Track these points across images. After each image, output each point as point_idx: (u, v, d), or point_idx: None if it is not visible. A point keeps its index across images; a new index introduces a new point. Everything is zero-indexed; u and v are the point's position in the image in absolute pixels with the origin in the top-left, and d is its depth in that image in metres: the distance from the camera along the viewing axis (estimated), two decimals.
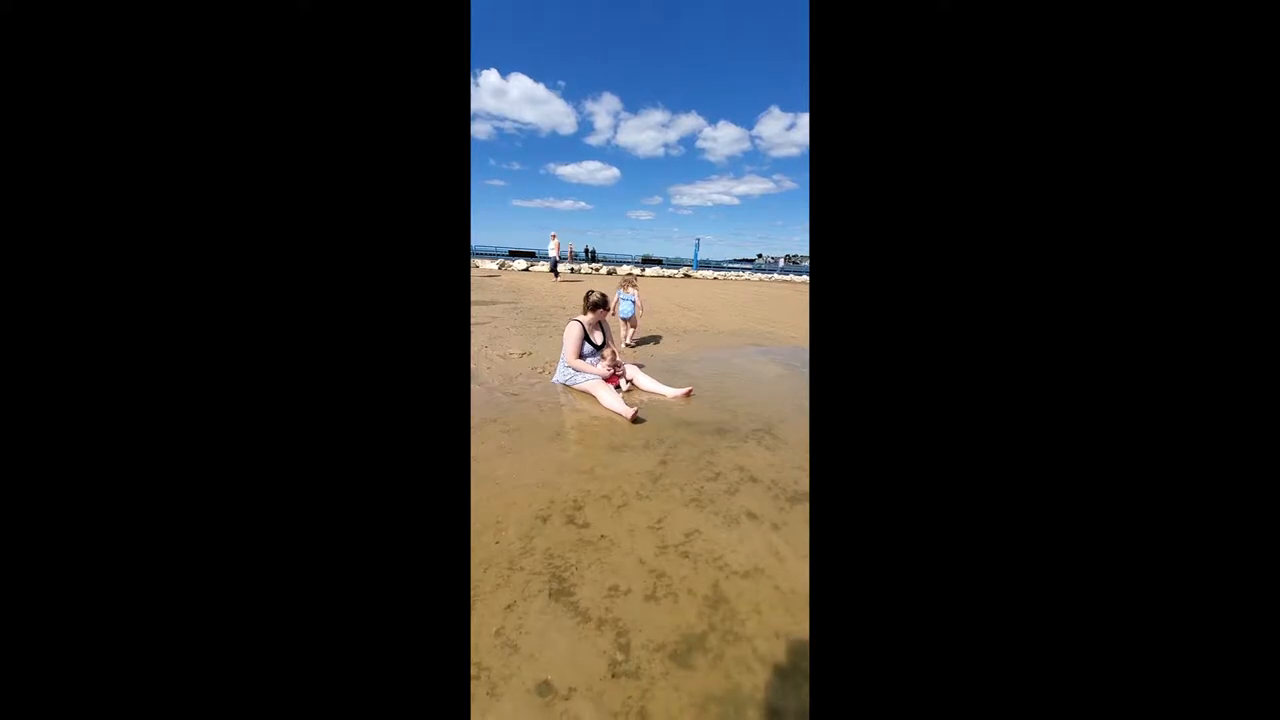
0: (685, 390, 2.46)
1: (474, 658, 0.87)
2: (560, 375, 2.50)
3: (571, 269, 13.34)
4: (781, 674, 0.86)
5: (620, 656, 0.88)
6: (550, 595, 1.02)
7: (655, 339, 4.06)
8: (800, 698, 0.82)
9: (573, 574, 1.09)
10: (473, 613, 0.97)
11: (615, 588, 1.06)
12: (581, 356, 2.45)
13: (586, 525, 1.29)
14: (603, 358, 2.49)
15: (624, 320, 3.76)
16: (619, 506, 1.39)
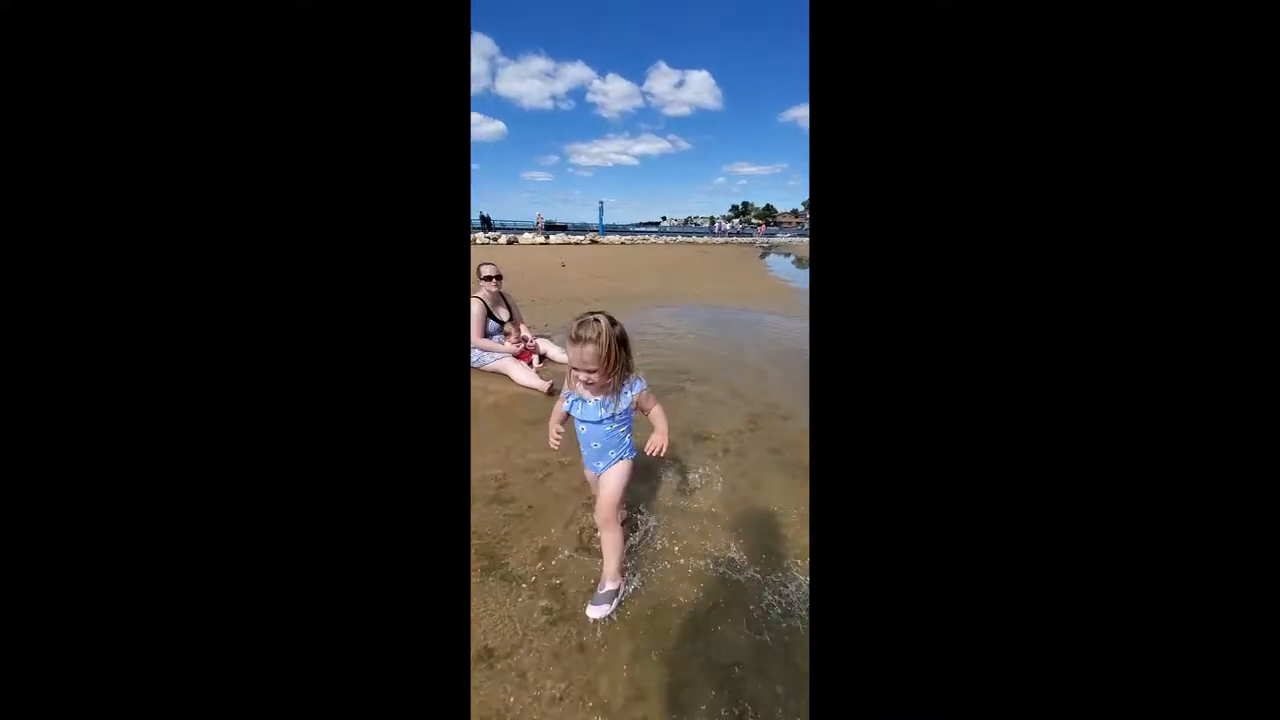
0: None
1: None
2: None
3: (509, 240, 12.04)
4: (689, 568, 1.03)
5: (556, 605, 0.96)
6: (482, 572, 1.05)
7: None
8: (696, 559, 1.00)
9: (501, 547, 1.13)
10: None
11: (546, 549, 1.12)
12: (487, 335, 2.33)
13: (512, 500, 1.31)
14: (508, 334, 2.40)
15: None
16: (543, 478, 1.43)
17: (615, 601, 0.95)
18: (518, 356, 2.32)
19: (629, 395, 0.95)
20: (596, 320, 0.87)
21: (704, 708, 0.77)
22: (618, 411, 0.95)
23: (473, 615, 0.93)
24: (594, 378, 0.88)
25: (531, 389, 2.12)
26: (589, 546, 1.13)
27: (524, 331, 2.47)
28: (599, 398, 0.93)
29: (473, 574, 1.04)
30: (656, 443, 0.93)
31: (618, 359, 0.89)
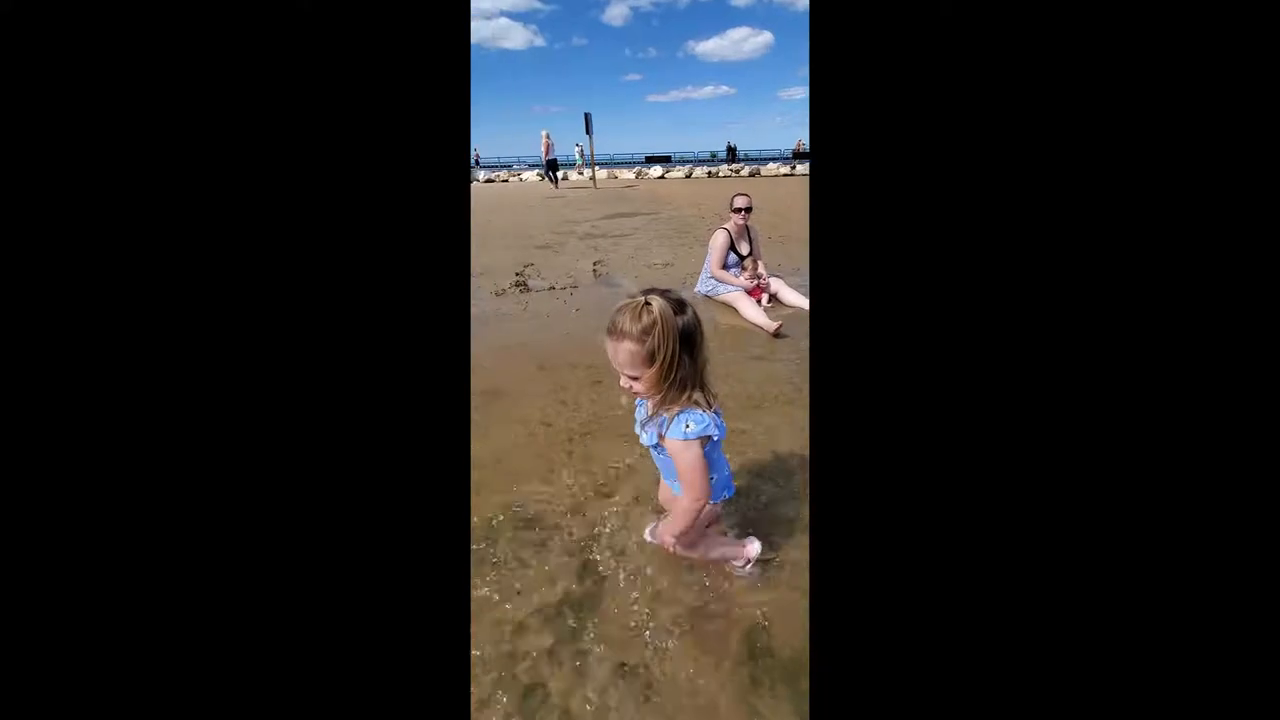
0: None
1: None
2: (703, 286, 2.57)
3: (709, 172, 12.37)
4: None
5: (753, 501, 1.08)
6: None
7: None
8: None
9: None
10: (620, 471, 1.29)
11: (743, 468, 1.23)
12: (725, 267, 2.45)
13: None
14: (744, 269, 2.44)
15: None
16: (755, 407, 1.51)
17: (755, 558, 0.87)
18: (749, 293, 2.36)
19: (655, 430, 0.62)
20: (648, 304, 0.56)
21: None
22: (656, 442, 0.65)
23: None
24: (637, 387, 0.61)
25: (757, 326, 2.15)
26: (783, 461, 1.18)
27: (760, 269, 2.46)
28: (652, 414, 0.64)
29: None
30: (665, 538, 0.60)
31: (673, 366, 0.57)
